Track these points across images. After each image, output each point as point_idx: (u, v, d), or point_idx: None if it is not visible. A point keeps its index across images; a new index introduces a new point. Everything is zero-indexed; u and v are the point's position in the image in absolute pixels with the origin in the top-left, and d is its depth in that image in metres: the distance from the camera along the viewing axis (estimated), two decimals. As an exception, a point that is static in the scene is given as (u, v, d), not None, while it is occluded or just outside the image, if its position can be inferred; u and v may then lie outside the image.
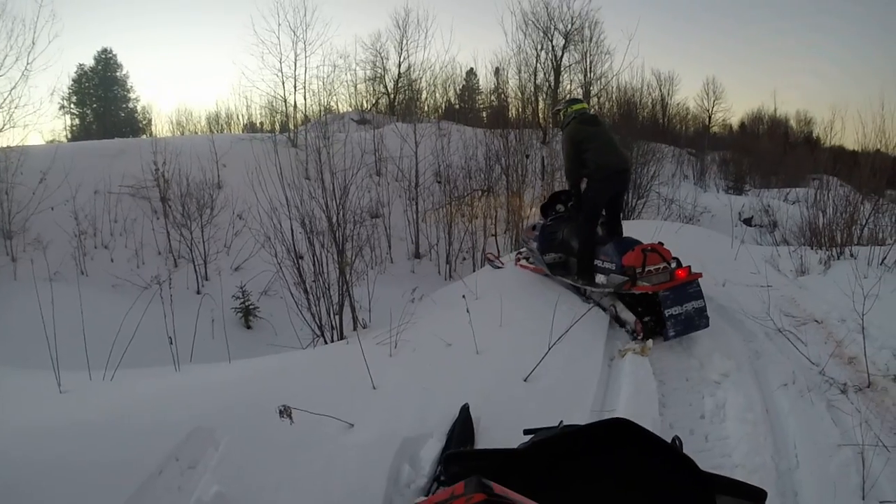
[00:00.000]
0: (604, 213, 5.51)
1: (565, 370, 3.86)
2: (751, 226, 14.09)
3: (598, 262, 5.17)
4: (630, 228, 5.98)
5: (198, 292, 9.33)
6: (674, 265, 4.68)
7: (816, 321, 4.78)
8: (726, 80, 58.82)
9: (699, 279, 4.60)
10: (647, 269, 4.60)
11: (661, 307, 4.42)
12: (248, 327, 8.50)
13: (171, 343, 4.35)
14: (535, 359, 3.86)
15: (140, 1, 49.08)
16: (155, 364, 4.75)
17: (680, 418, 3.48)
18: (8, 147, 10.39)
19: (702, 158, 26.33)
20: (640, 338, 4.57)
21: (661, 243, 4.86)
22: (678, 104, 32.41)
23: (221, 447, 2.90)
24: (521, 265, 6.59)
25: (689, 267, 4.71)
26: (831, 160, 11.14)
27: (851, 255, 6.04)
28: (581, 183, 5.50)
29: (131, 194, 10.97)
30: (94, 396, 3.70)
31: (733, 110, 49.66)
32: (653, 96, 28.40)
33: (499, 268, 6.95)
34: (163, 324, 4.32)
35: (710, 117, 35.44)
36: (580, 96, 20.44)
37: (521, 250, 6.93)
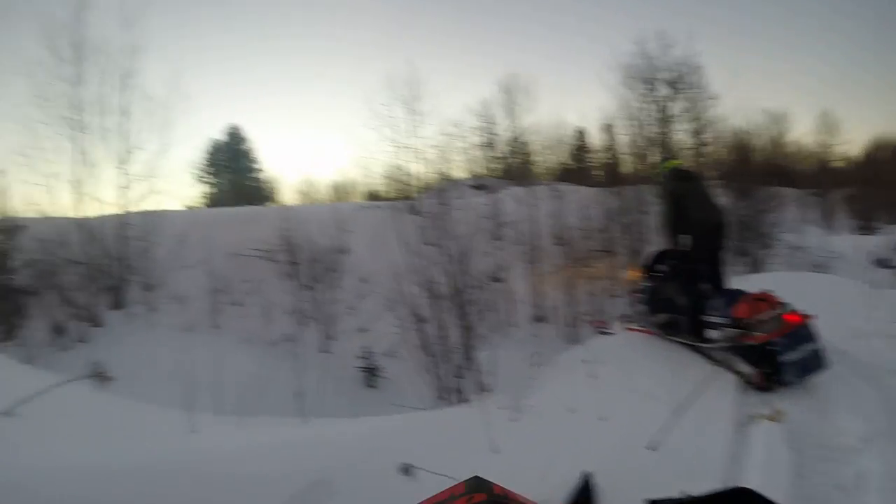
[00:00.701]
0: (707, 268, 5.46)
1: (692, 437, 3.72)
2: (888, 268, 12.65)
3: (707, 318, 5.10)
4: (757, 283, 5.74)
5: (324, 351, 9.84)
6: (783, 310, 4.55)
7: (974, 375, 4.29)
8: (841, 108, 54.32)
9: (812, 321, 4.45)
10: (757, 319, 4.52)
11: (777, 355, 4.33)
12: (372, 386, 8.82)
13: (298, 397, 4.67)
14: (660, 425, 3.77)
15: (264, 82, 54.25)
16: (281, 415, 5.06)
17: (816, 489, 3.24)
18: (151, 211, 11.94)
19: (825, 198, 24.39)
20: (760, 390, 4.44)
21: (767, 291, 4.75)
22: (794, 142, 30.33)
23: (340, 499, 3.01)
24: (631, 328, 6.47)
25: (800, 310, 4.56)
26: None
27: None
28: (682, 239, 5.51)
29: (262, 257, 12.01)
30: (222, 439, 4.03)
31: (854, 140, 45.21)
32: (766, 137, 26.95)
33: (609, 334, 6.82)
34: (289, 378, 4.64)
35: (828, 152, 32.70)
36: (692, 145, 19.93)
37: (629, 314, 6.81)
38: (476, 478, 0.96)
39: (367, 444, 3.89)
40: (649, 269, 6.19)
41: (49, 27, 11.73)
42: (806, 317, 4.51)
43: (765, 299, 4.66)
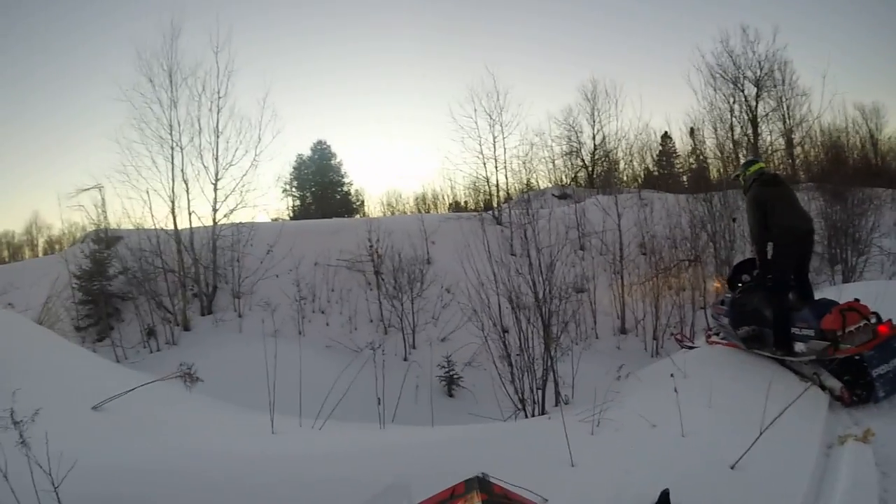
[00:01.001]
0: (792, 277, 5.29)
1: (777, 458, 3.60)
2: None
3: (795, 330, 4.95)
4: (852, 293, 5.47)
5: (405, 359, 10.10)
6: (874, 321, 4.40)
7: None
8: None
9: None
10: (847, 330, 4.38)
11: (868, 368, 4.20)
12: (451, 395, 8.99)
13: (379, 403, 4.84)
14: (745, 444, 3.62)
15: (351, 98, 55.72)
16: (361, 420, 5.27)
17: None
18: (241, 223, 12.76)
19: None
20: (847, 406, 4.35)
21: (857, 300, 4.60)
22: (889, 138, 27.95)
23: (415, 504, 3.16)
24: (713, 341, 6.30)
25: (891, 320, 4.38)
26: None
27: None
28: (768, 248, 5.33)
29: (347, 267, 12.54)
30: (303, 441, 4.21)
31: None
32: (860, 134, 25.04)
33: (692, 348, 6.68)
34: (371, 385, 4.83)
35: None
36: (781, 146, 18.94)
37: (713, 327, 6.72)
38: (477, 477, 1.03)
39: (444, 452, 3.97)
40: (733, 280, 6.05)
41: (145, 54, 12.99)
42: None
43: (855, 309, 4.48)
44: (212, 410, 5.60)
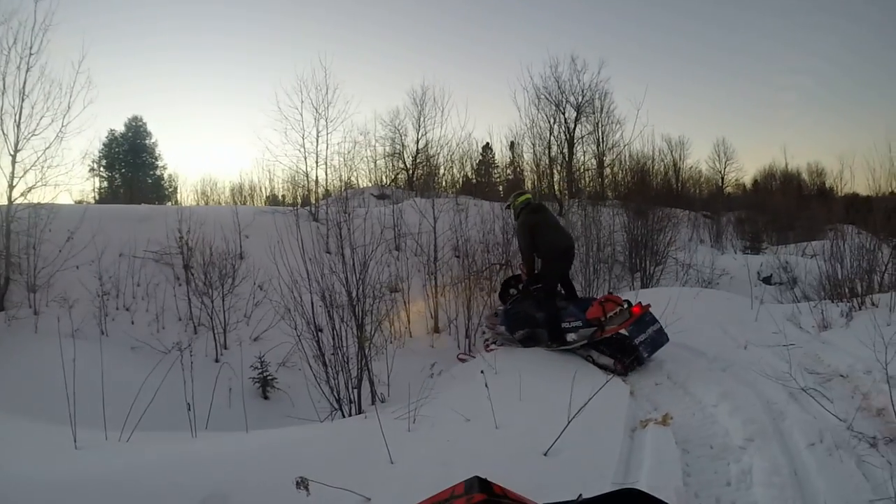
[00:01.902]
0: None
1: (585, 443, 3.80)
2: (770, 284, 13.75)
3: (565, 325, 5.96)
4: (647, 297, 6.39)
5: (216, 360, 9.31)
6: (627, 306, 5.55)
7: (842, 376, 4.69)
8: (736, 140, 59.70)
9: (649, 308, 5.55)
10: (608, 316, 5.51)
11: (630, 338, 5.34)
12: (266, 398, 8.42)
13: (189, 409, 4.41)
14: (555, 433, 3.79)
15: (170, 74, 51.25)
16: (171, 429, 4.81)
17: (705, 486, 3.38)
18: (39, 204, 10.73)
19: (717, 220, 26.06)
20: (622, 375, 5.33)
21: (611, 293, 6.48)
22: (691, 167, 32.83)
23: (234, 515, 2.87)
24: (491, 349, 6.99)
25: (640, 302, 5.57)
26: (845, 209, 11.10)
27: (873, 304, 5.96)
28: (536, 263, 6.43)
29: (155, 259, 11.19)
30: (110, 455, 3.74)
31: (745, 169, 49.23)
32: (665, 162, 28.97)
33: (469, 359, 7.48)
34: (180, 389, 4.41)
35: (722, 178, 35.82)
36: (593, 166, 20.86)
37: (486, 337, 7.82)
38: (476, 477, 0.91)
39: (261, 458, 3.73)
40: (503, 294, 7.15)
41: None
42: (646, 306, 5.51)
43: (611, 300, 5.70)
44: (4, 424, 4.88)
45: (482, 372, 4.87)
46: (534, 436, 3.91)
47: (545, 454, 3.68)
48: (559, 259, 6.24)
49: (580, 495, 1.77)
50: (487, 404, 4.30)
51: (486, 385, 4.41)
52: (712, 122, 57.77)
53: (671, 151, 30.04)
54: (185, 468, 3.45)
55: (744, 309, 7.02)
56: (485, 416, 4.28)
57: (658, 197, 18.67)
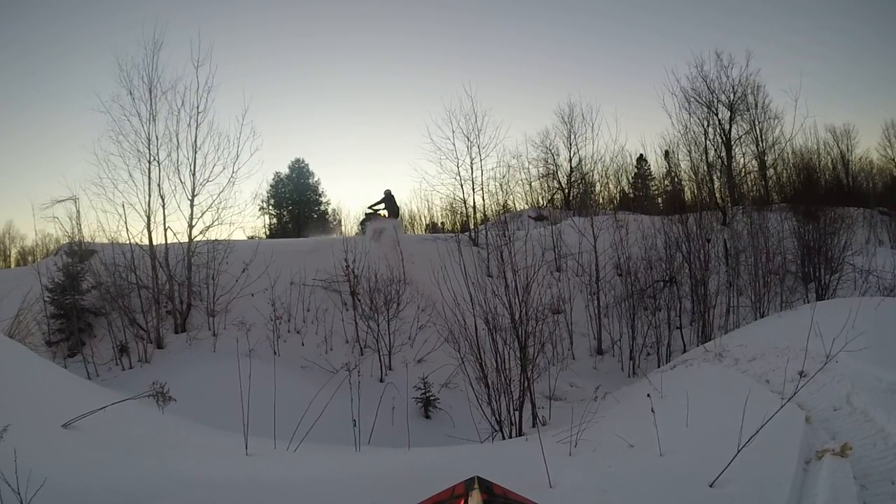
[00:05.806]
0: None
1: (755, 474, 3.61)
2: None
3: None
4: (823, 310, 5.57)
5: (381, 380, 9.94)
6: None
7: None
8: None
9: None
10: None
11: None
12: (428, 417, 8.86)
13: (355, 425, 4.78)
14: (723, 462, 3.62)
15: (329, 118, 55.46)
16: (336, 443, 5.23)
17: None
18: (216, 240, 12.59)
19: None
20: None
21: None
22: (860, 158, 28.61)
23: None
24: None
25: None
26: None
27: None
28: None
29: (324, 287, 12.38)
30: (277, 463, 4.16)
31: None
32: (832, 155, 25.78)
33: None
34: (346, 406, 4.77)
35: None
36: (754, 168, 19.49)
37: None
38: (476, 478, 1.02)
39: (421, 475, 3.94)
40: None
41: (125, 66, 12.57)
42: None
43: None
44: (185, 431, 5.50)
45: (648, 395, 4.79)
46: (699, 465, 3.76)
47: (711, 485, 3.53)
48: None
49: None
50: (652, 430, 4.16)
51: (651, 410, 4.33)
52: (878, 103, 48.96)
53: (837, 143, 26.31)
54: (348, 480, 3.73)
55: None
56: (649, 442, 4.17)
57: (828, 195, 16.71)
